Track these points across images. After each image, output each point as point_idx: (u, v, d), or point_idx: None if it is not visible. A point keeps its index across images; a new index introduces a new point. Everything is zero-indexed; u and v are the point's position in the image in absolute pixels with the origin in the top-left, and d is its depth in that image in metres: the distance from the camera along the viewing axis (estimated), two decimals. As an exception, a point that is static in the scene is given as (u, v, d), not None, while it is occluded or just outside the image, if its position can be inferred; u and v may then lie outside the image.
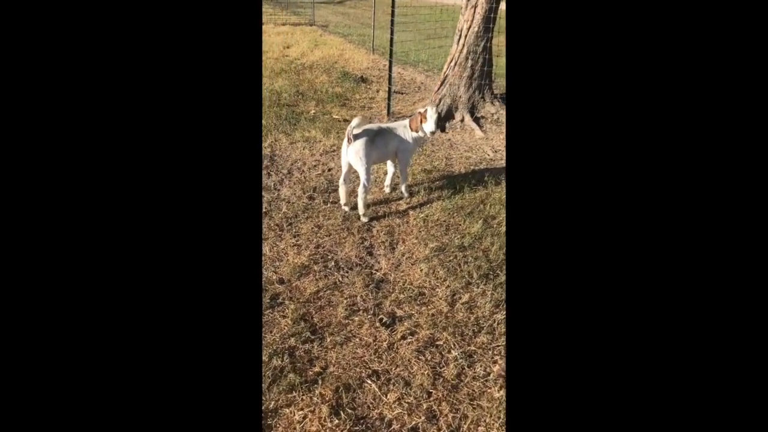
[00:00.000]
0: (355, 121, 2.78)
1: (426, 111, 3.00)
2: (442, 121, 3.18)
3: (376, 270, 2.54)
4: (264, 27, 10.88)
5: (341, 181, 3.03)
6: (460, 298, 2.32)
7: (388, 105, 4.93)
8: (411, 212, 3.11)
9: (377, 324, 2.14)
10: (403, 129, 3.10)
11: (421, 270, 2.52)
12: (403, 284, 2.43)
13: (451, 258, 2.62)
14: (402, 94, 5.94)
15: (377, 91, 5.94)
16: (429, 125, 2.95)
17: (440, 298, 2.32)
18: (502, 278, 2.45)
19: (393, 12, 4.42)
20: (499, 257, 2.64)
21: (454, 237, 2.82)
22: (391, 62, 4.67)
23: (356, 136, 2.83)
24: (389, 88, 4.77)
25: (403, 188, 3.29)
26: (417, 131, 3.02)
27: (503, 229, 2.90)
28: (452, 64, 4.94)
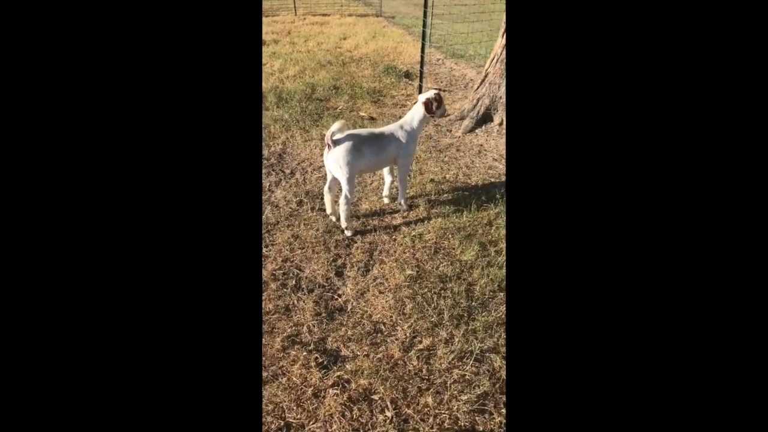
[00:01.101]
0: (335, 126, 2.48)
1: (435, 95, 2.81)
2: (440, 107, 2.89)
3: (338, 295, 2.25)
4: (328, 18, 10.84)
5: (326, 189, 2.76)
6: (420, 342, 1.96)
7: (419, 104, 4.54)
8: (403, 229, 2.76)
9: (312, 363, 1.86)
10: (400, 131, 2.75)
11: (387, 301, 2.18)
12: (361, 317, 2.11)
13: (426, 290, 2.25)
14: (445, 91, 5.51)
15: (418, 88, 5.56)
16: (442, 109, 2.85)
17: (396, 340, 1.97)
18: (478, 324, 2.04)
19: (426, 1, 4.02)
20: (485, 294, 2.22)
21: (440, 263, 2.44)
22: (423, 57, 4.29)
23: (336, 143, 2.53)
24: (420, 86, 4.38)
25: (402, 201, 2.94)
26: (431, 114, 2.80)
27: (501, 258, 2.45)
28: (494, 60, 4.43)
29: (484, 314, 2.10)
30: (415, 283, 2.30)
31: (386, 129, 2.75)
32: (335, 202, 2.80)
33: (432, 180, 3.31)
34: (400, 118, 4.66)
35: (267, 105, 4.81)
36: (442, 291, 2.24)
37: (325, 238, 2.66)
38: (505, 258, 2.45)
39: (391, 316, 2.10)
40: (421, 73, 4.33)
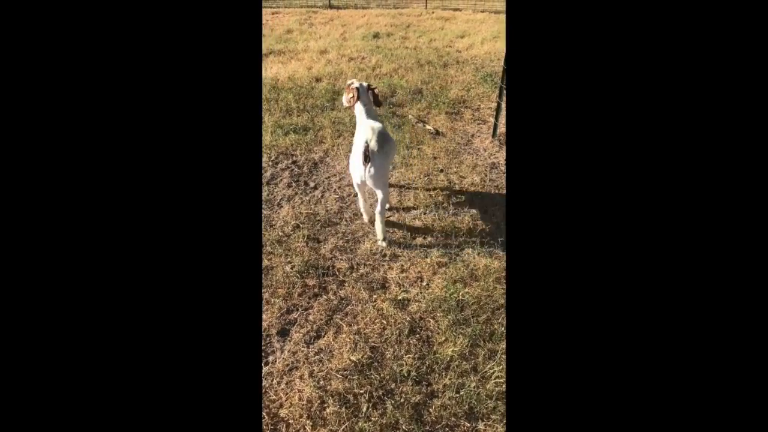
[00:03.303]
0: (373, 141, 2.27)
1: (363, 86, 2.52)
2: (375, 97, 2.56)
3: (265, 364, 1.81)
4: (457, 13, 10.17)
5: (360, 202, 2.61)
6: (314, 471, 1.43)
7: (495, 125, 3.78)
8: (392, 287, 2.19)
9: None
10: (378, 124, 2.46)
11: (309, 392, 1.67)
12: (267, 406, 1.64)
13: (365, 391, 1.68)
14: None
15: (497, 104, 4.73)
16: (363, 99, 2.51)
17: (287, 457, 1.47)
18: (402, 468, 1.43)
19: None
20: (440, 420, 1.58)
21: (407, 352, 1.83)
22: (506, 70, 3.52)
23: (375, 154, 2.25)
24: (498, 104, 3.64)
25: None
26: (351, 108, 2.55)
27: (489, 367, 1.75)
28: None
29: (418, 455, 1.47)
30: (360, 374, 1.74)
31: (374, 124, 2.40)
32: (371, 204, 2.64)
33: (458, 227, 2.63)
34: (473, 136, 3.98)
35: (336, 105, 4.50)
36: (385, 397, 1.66)
37: (294, 279, 2.23)
38: (494, 370, 1.75)
39: (300, 417, 1.59)
40: (500, 89, 3.56)
